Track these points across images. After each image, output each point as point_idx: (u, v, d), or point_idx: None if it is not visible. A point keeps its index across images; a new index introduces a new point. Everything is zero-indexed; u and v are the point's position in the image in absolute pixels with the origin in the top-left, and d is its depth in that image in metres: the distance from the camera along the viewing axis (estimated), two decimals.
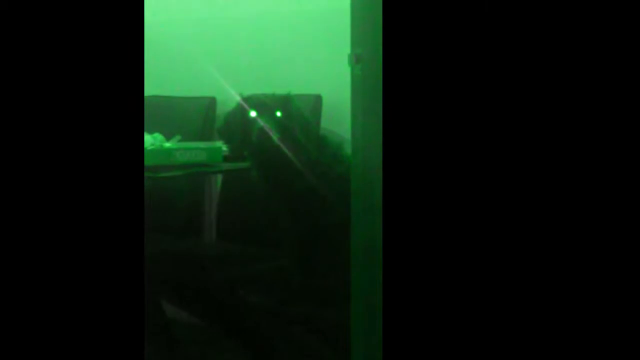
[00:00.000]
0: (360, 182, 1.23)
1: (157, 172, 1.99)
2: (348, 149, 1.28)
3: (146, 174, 1.63)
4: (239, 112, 2.09)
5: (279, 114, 2.06)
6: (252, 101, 2.08)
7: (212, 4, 2.85)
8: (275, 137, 2.02)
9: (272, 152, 2.03)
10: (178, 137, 2.16)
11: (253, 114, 2.06)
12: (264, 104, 2.07)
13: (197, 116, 2.69)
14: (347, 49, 1.23)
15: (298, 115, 2.09)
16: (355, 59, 1.21)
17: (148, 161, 1.93)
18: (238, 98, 2.11)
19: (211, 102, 2.70)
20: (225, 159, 2.14)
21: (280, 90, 2.13)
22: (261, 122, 2.04)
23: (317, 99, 2.51)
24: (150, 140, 2.09)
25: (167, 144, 2.12)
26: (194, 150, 2.11)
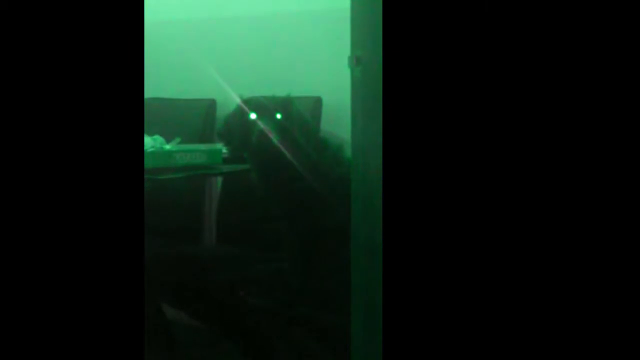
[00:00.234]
0: (360, 184, 1.23)
1: (157, 174, 1.99)
2: (348, 151, 1.28)
3: (146, 176, 1.63)
4: (239, 114, 2.09)
5: (279, 116, 2.06)
6: (252, 103, 2.08)
7: (212, 6, 2.86)
8: (275, 139, 2.02)
9: (272, 154, 2.03)
10: (178, 139, 2.16)
11: (253, 116, 2.06)
12: (264, 106, 2.07)
13: (197, 118, 2.69)
14: (347, 51, 1.23)
15: (298, 118, 2.09)
16: (355, 61, 1.21)
17: (148, 163, 1.93)
18: (238, 100, 2.11)
19: (211, 104, 2.70)
20: (225, 161, 2.14)
21: (281, 92, 2.13)
22: (261, 125, 2.04)
23: (317, 101, 2.52)
24: (151, 142, 2.09)
25: (167, 146, 2.12)
26: (194, 152, 2.11)
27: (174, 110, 2.73)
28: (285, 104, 2.08)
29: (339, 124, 2.23)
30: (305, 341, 2.08)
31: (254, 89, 2.20)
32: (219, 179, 2.65)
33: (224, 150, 2.14)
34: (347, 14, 1.23)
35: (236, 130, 2.10)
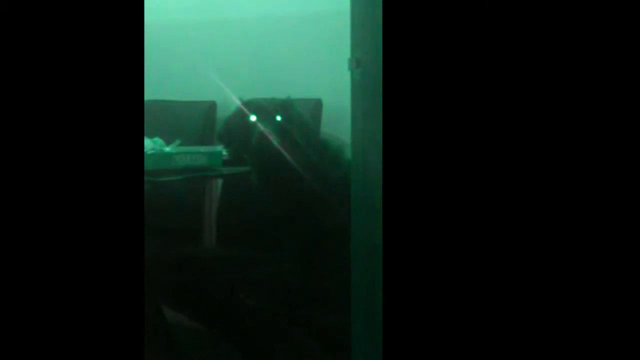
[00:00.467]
0: (360, 186, 1.23)
1: (157, 176, 1.99)
2: (348, 153, 1.28)
3: (146, 178, 1.63)
4: (239, 117, 2.09)
5: (279, 118, 2.06)
6: (253, 105, 2.08)
7: (212, 8, 2.86)
8: (275, 141, 2.02)
9: (272, 156, 2.03)
10: (178, 141, 2.16)
11: (253, 118, 2.06)
12: (264, 108, 2.08)
13: (197, 120, 2.69)
14: (347, 53, 1.23)
15: (298, 120, 2.10)
16: (355, 63, 1.22)
17: (148, 165, 1.93)
18: (238, 102, 2.11)
19: (211, 106, 2.70)
20: (226, 163, 2.14)
21: (281, 94, 2.14)
22: (261, 126, 2.04)
23: (317, 103, 2.52)
24: (151, 144, 2.09)
25: (167, 148, 2.12)
26: (194, 154, 2.11)
27: (174, 113, 2.73)
28: (286, 106, 2.08)
29: (339, 126, 2.23)
30: (305, 341, 2.08)
31: (254, 91, 2.20)
32: (219, 181, 2.65)
33: (224, 152, 2.14)
34: (347, 16, 1.23)
35: (236, 132, 2.10)
